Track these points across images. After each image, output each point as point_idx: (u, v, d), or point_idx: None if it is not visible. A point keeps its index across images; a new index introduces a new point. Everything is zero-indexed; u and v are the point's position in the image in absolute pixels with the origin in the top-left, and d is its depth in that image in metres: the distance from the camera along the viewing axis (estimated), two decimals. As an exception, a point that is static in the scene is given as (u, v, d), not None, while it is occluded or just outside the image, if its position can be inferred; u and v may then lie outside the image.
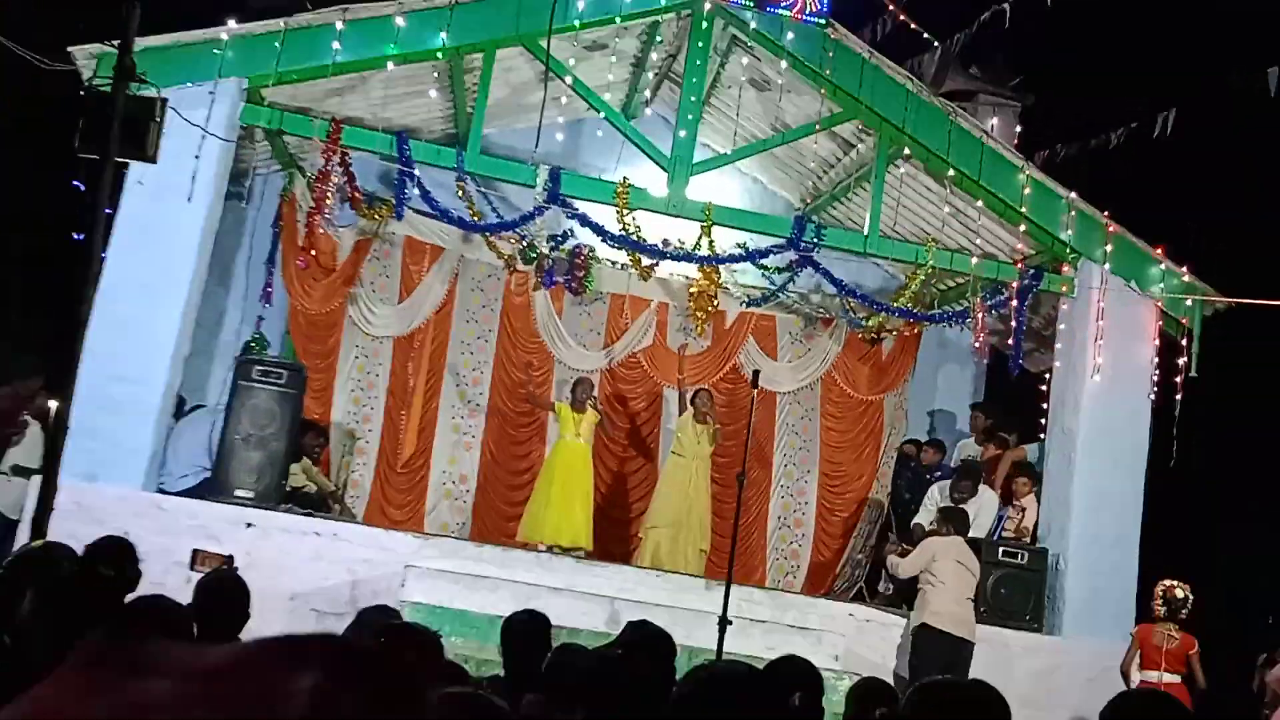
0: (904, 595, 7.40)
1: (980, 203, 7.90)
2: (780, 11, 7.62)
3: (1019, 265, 8.01)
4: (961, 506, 7.30)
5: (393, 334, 8.96)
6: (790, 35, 7.59)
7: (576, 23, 7.36)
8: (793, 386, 9.49)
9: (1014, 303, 7.88)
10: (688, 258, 7.85)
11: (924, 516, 7.84)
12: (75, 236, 4.77)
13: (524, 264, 8.53)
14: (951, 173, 7.75)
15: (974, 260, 7.98)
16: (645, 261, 8.20)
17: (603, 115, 7.97)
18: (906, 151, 7.84)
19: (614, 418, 9.10)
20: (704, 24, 7.74)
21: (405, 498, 8.89)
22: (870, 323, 8.79)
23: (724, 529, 8.29)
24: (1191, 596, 6.45)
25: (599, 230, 7.68)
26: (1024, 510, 7.74)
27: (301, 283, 8.28)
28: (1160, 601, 6.49)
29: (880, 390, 9.47)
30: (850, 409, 9.51)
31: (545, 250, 8.31)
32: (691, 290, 8.70)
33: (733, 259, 7.98)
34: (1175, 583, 6.49)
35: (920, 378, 9.86)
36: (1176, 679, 6.25)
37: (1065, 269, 7.93)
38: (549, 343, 9.25)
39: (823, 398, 9.58)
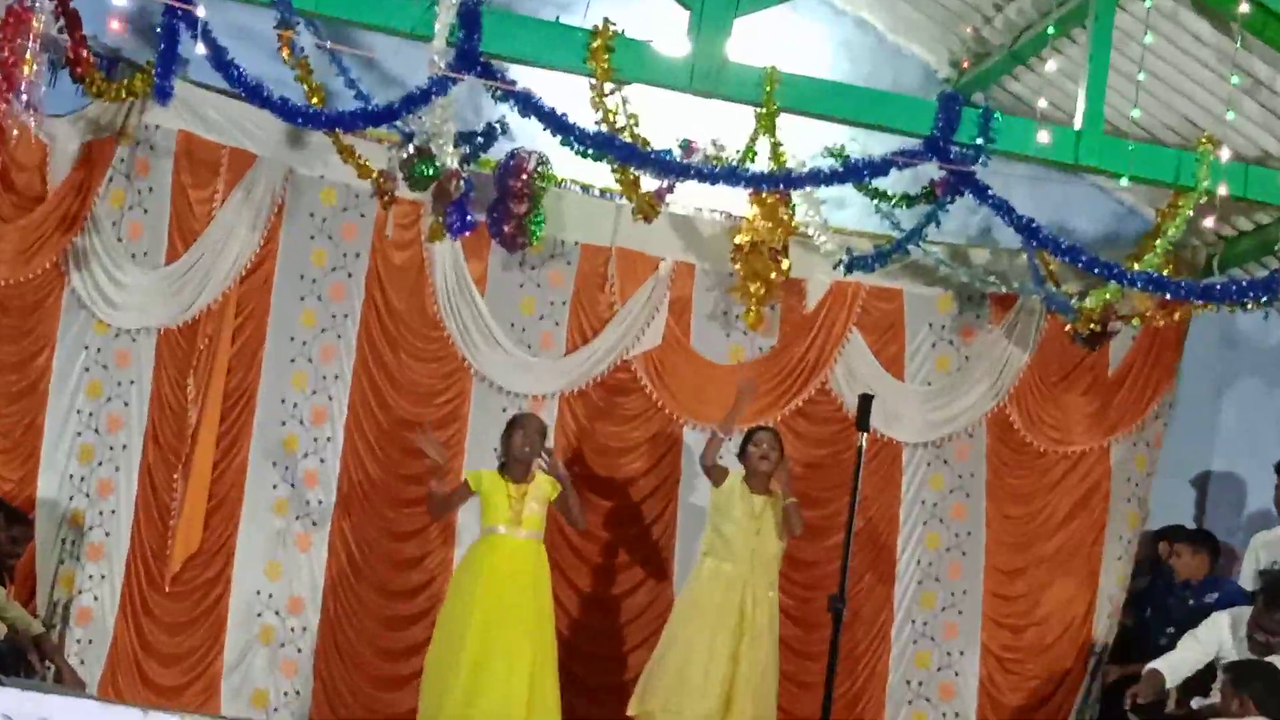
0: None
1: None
2: None
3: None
4: (1272, 660, 7.43)
5: (157, 324, 9.05)
6: None
7: None
8: (936, 433, 9.66)
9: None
10: (730, 177, 7.87)
11: (1184, 649, 8.13)
12: None
13: (411, 188, 8.41)
14: (1246, 7, 7.70)
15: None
16: (647, 184, 8.20)
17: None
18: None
19: (588, 490, 9.14)
20: None
21: (181, 642, 9.00)
22: (1089, 303, 8.84)
23: (801, 702, 8.83)
24: None
25: (557, 123, 7.66)
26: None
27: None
28: None
29: (1106, 432, 9.64)
30: (1047, 469, 9.69)
31: (452, 162, 8.06)
32: (739, 240, 8.96)
33: (817, 179, 8.03)
34: None
35: (1186, 407, 9.96)
36: None
37: None
38: (460, 340, 9.29)
39: (993, 449, 9.71)
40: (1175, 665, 8.03)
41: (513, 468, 8.25)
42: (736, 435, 8.67)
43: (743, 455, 8.50)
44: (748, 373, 9.27)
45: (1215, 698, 7.60)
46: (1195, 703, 8.09)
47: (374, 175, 8.67)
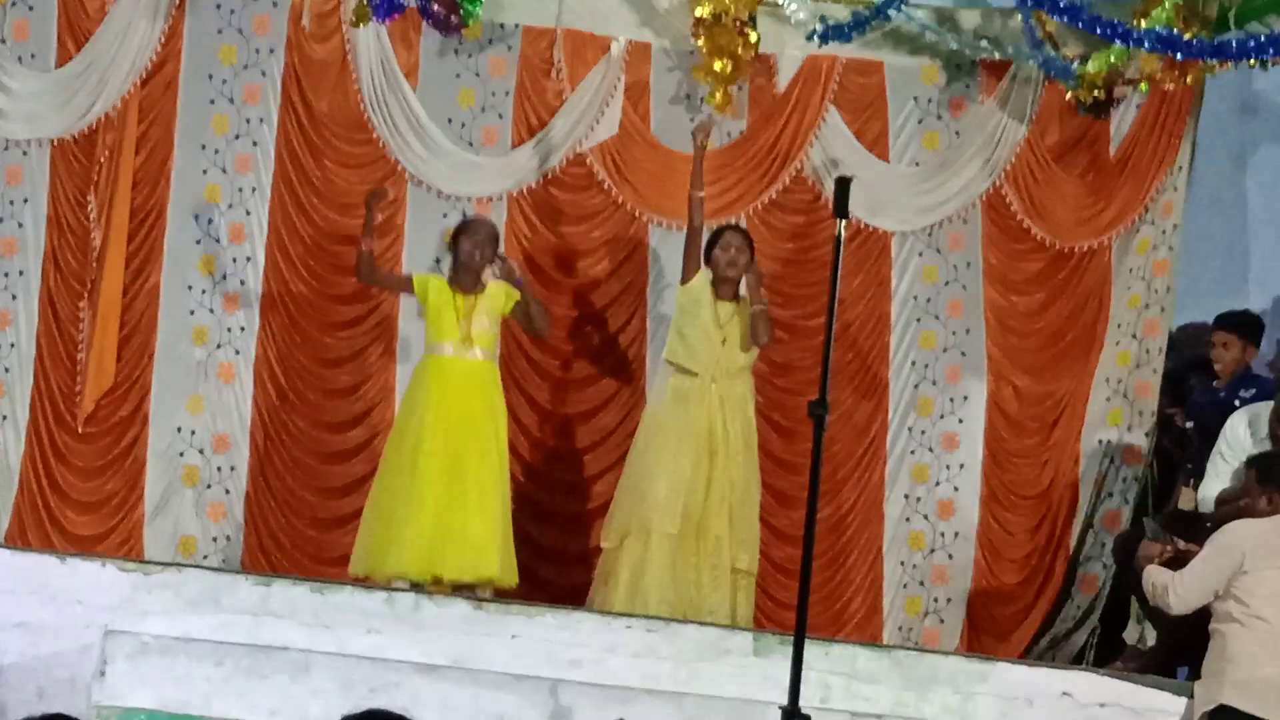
0: (1180, 647, 7.72)
1: None
2: None
3: None
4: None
5: (49, 135, 8.95)
6: None
7: None
8: (926, 219, 9.47)
9: None
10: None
11: (1217, 479, 8.07)
12: None
13: None
14: None
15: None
16: None
17: None
18: None
19: (546, 295, 8.98)
20: None
21: (98, 487, 9.00)
22: (1091, 67, 8.65)
23: (787, 525, 8.73)
24: None
25: None
26: None
27: None
28: None
29: (1105, 226, 9.44)
30: (1048, 261, 9.52)
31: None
32: (700, 13, 8.75)
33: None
34: None
35: (1203, 184, 9.73)
36: None
37: None
38: (391, 141, 9.08)
39: (989, 236, 9.53)
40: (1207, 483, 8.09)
41: (461, 278, 8.17)
42: (702, 233, 8.54)
43: (708, 259, 8.42)
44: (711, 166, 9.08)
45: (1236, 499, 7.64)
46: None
47: None
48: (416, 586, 7.84)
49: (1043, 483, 9.51)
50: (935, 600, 9.51)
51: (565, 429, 9.30)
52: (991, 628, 9.37)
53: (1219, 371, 8.96)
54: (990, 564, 9.49)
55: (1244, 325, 9.05)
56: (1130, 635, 8.69)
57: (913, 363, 9.52)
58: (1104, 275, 9.53)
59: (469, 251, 8.13)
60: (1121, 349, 9.52)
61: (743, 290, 8.37)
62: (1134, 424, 9.47)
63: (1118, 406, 9.50)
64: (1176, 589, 7.05)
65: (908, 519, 9.51)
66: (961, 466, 9.56)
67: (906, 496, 9.53)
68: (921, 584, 9.50)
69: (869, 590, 9.44)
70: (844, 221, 7.27)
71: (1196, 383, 9.24)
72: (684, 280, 8.40)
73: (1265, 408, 7.96)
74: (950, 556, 9.52)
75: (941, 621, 9.46)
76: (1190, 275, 9.84)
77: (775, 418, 8.99)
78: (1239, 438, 7.99)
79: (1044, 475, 9.52)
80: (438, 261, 8.66)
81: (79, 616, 6.89)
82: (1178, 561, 7.27)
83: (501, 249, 8.45)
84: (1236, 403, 8.56)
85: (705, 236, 8.44)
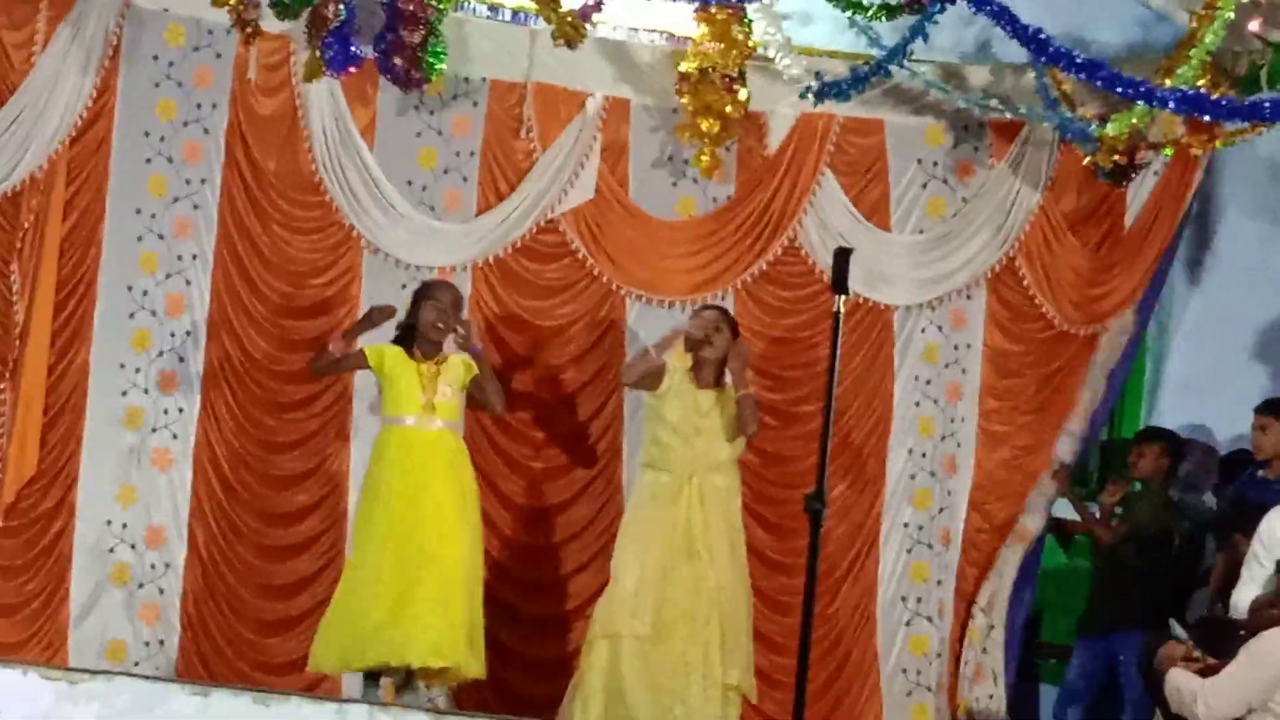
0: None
1: None
2: None
3: None
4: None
5: None
6: None
7: None
8: (930, 292, 9.53)
9: None
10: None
11: (1252, 583, 7.91)
12: None
13: (279, 17, 8.19)
14: None
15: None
16: (569, 0, 8.11)
17: None
18: None
19: (512, 379, 9.08)
20: None
21: (19, 587, 8.84)
22: (1111, 129, 8.62)
23: (775, 632, 8.82)
24: None
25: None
26: None
27: None
28: None
29: (1117, 307, 9.49)
30: (1054, 342, 9.59)
31: (329, -19, 8.49)
32: (685, 68, 8.81)
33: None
34: None
35: (1231, 253, 9.94)
36: None
37: None
38: (345, 205, 9.08)
39: (994, 313, 9.59)
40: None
41: (421, 345, 8.23)
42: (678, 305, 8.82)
43: (691, 334, 8.41)
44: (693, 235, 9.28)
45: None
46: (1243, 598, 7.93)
47: (232, 1, 8.22)
48: (371, 678, 7.94)
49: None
50: (940, 711, 9.56)
51: (535, 523, 9.30)
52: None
53: (1261, 458, 8.95)
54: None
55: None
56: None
57: (909, 450, 9.59)
58: (1085, 366, 9.59)
59: (431, 321, 8.17)
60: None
61: (727, 376, 8.39)
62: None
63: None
64: (1206, 698, 6.90)
65: (907, 622, 9.51)
66: (948, 568, 9.64)
67: (904, 599, 9.54)
68: (930, 690, 9.51)
69: (867, 699, 9.41)
70: (843, 297, 7.40)
71: (1243, 474, 9.20)
72: (652, 388, 8.36)
73: None
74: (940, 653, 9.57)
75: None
76: (1214, 357, 9.92)
77: (764, 513, 9.00)
78: (1276, 538, 7.90)
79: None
80: (396, 338, 8.59)
81: (-6, 728, 6.69)
82: (1206, 673, 7.11)
83: (465, 315, 8.50)
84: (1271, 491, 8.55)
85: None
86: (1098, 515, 9.18)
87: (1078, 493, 9.47)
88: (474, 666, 8.02)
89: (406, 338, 8.26)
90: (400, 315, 8.45)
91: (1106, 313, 9.50)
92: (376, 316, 8.35)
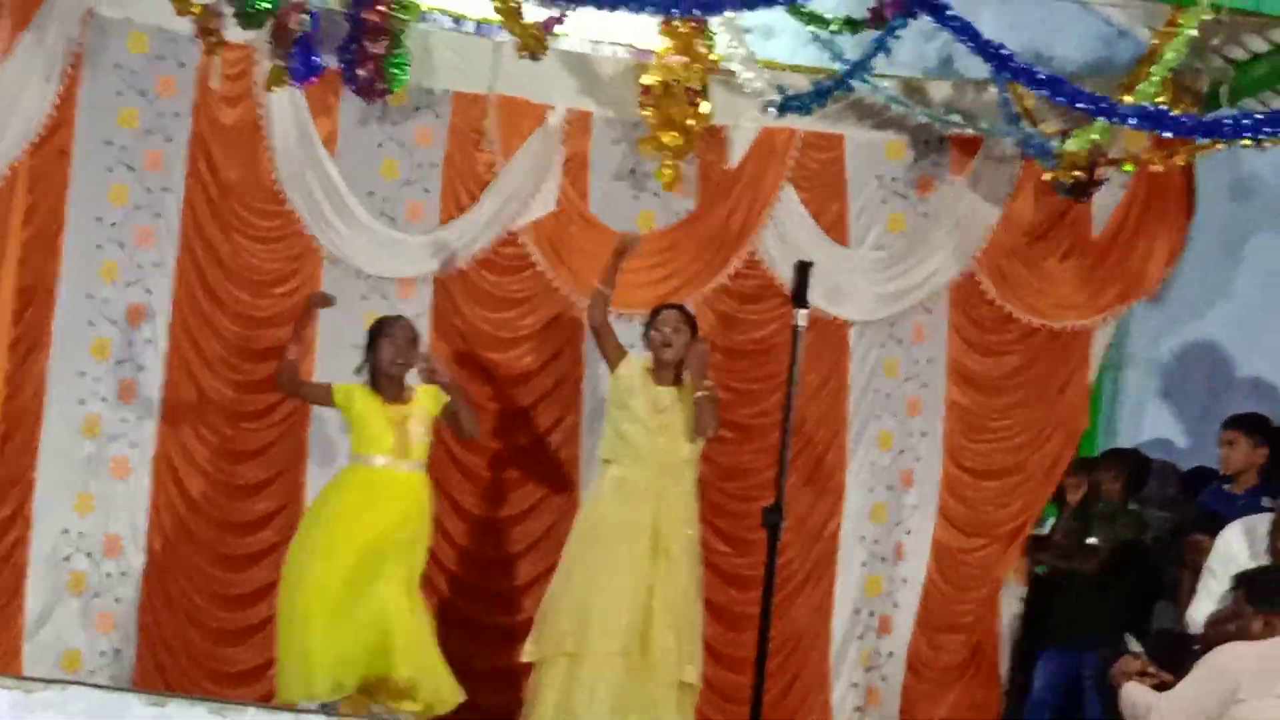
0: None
1: None
2: None
3: None
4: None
5: None
6: None
7: None
8: (889, 308, 9.60)
9: None
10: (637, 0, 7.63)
11: (1208, 598, 7.91)
12: None
13: (242, 26, 8.17)
14: None
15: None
16: (532, 13, 8.14)
17: None
18: None
19: (472, 387, 9.06)
20: None
21: None
22: (1071, 145, 8.67)
23: (728, 648, 8.89)
24: None
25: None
26: None
27: None
28: None
29: (1100, 307, 9.56)
30: (1022, 351, 9.66)
31: (292, -9, 8.36)
32: (647, 80, 8.85)
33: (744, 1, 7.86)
34: None
35: (1189, 270, 9.90)
36: None
37: None
38: (306, 215, 9.09)
39: (956, 326, 9.68)
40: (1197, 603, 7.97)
41: (384, 386, 8.21)
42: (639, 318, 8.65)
43: (649, 340, 8.45)
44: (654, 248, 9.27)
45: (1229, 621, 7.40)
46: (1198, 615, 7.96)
47: (195, 10, 8.23)
48: (326, 708, 7.84)
49: (981, 609, 9.62)
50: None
51: (493, 535, 9.30)
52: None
53: (1228, 472, 9.00)
54: (916, 693, 9.62)
55: (1250, 422, 9.11)
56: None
57: (871, 464, 9.63)
58: (1084, 364, 9.61)
59: (389, 360, 8.16)
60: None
61: (684, 374, 8.41)
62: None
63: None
64: (1162, 711, 6.88)
65: (860, 635, 9.58)
66: (904, 581, 9.69)
67: (857, 612, 9.59)
68: (858, 709, 9.60)
69: (818, 715, 9.48)
70: (804, 311, 7.40)
71: (1206, 488, 9.27)
72: (612, 368, 8.45)
73: (1264, 520, 7.85)
74: (883, 679, 9.65)
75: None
76: (1179, 372, 10.00)
77: (720, 525, 9.02)
78: (1232, 553, 7.88)
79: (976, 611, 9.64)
80: (356, 347, 8.57)
81: (-51, 738, 6.70)
82: (1161, 688, 7.09)
83: (424, 346, 8.53)
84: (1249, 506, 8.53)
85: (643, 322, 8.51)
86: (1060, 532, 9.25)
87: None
88: (440, 690, 8.04)
89: (372, 377, 8.26)
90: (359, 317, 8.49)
91: (1089, 312, 9.55)
92: (316, 302, 8.36)
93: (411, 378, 8.25)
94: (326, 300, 8.46)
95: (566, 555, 8.39)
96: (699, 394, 8.23)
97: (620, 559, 8.14)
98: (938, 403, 9.66)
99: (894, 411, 9.65)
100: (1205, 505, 9.06)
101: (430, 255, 9.19)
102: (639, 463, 8.26)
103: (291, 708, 7.62)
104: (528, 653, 8.29)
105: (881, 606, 9.63)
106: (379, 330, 8.28)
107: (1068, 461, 9.56)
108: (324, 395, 8.30)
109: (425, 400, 8.19)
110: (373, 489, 8.12)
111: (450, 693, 8.03)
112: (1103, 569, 9.10)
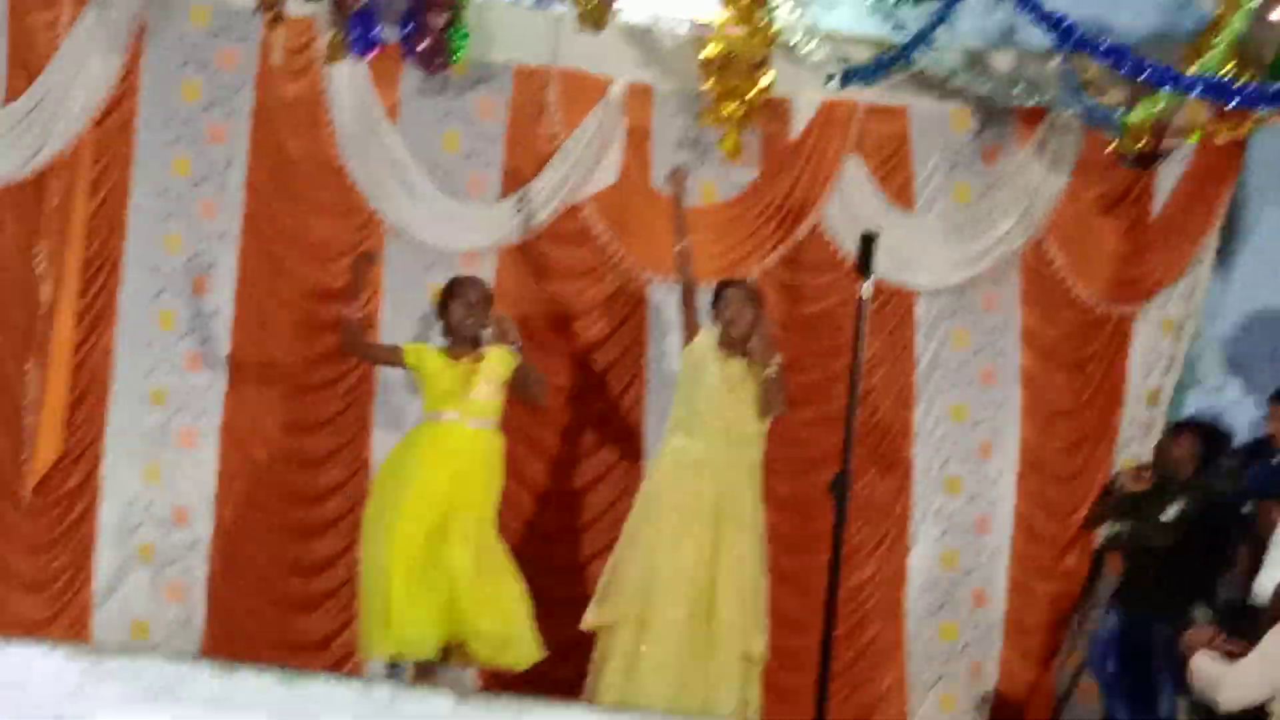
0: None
1: None
2: None
3: None
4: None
5: None
6: None
7: None
8: (955, 277, 9.55)
9: None
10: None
11: (1275, 568, 7.98)
12: None
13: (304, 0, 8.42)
14: None
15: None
16: None
17: None
18: None
19: (536, 359, 8.81)
20: None
21: (44, 565, 8.92)
22: (1135, 116, 8.59)
23: (792, 610, 8.71)
24: None
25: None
26: None
27: None
28: None
29: (1149, 290, 9.57)
30: (1086, 331, 9.65)
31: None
32: (709, 53, 8.78)
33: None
34: None
35: (1255, 243, 9.78)
36: None
37: None
38: (369, 188, 9.09)
39: (1026, 300, 9.64)
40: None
41: (456, 344, 8.19)
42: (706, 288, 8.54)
43: (716, 312, 8.43)
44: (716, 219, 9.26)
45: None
46: None
47: None
48: (395, 668, 7.94)
49: (1067, 572, 9.56)
50: (970, 698, 9.55)
51: (558, 507, 9.31)
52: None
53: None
54: (1017, 659, 9.53)
55: None
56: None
57: (942, 436, 9.58)
58: (1124, 350, 9.61)
59: (461, 317, 8.15)
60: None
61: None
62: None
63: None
64: (1229, 683, 6.97)
65: (941, 607, 9.53)
66: (993, 553, 9.60)
67: (936, 584, 9.56)
68: (957, 680, 9.54)
69: (892, 688, 9.46)
70: (869, 281, 7.41)
71: (1257, 461, 9.18)
72: (686, 341, 8.43)
73: None
74: (981, 652, 9.58)
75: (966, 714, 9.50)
76: (1242, 344, 9.86)
77: (783, 493, 8.97)
78: None
79: (1068, 562, 9.59)
80: (421, 319, 8.68)
81: (20, 708, 6.50)
82: (1231, 658, 7.18)
83: (494, 312, 8.49)
84: None
85: (705, 291, 8.48)
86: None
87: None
88: (523, 649, 8.07)
89: (445, 336, 8.25)
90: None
91: (1135, 297, 9.51)
92: (360, 266, 8.34)
93: (484, 340, 8.24)
94: (371, 260, 8.48)
95: (631, 523, 8.38)
96: (766, 374, 8.22)
97: (684, 529, 8.12)
98: (1013, 372, 9.62)
99: (969, 382, 9.62)
100: (1256, 479, 8.99)
101: (494, 227, 9.18)
102: (707, 435, 8.23)
103: (360, 677, 7.66)
104: (590, 617, 8.29)
105: (969, 580, 9.59)
106: (451, 290, 8.28)
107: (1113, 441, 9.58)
108: (394, 355, 8.30)
109: (496, 361, 8.16)
110: (443, 444, 8.11)
111: (529, 648, 8.05)
112: (1174, 541, 9.05)
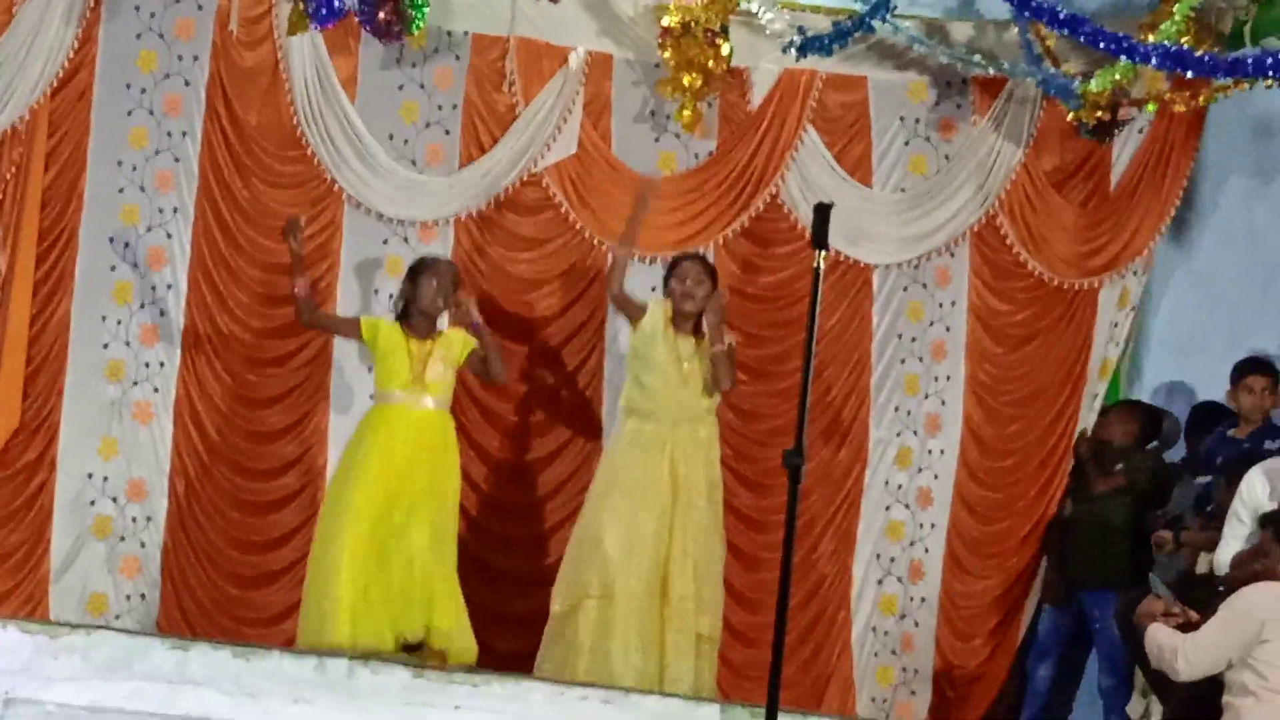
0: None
1: None
2: None
3: None
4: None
5: None
6: None
7: None
8: (912, 251, 9.55)
9: None
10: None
11: (1234, 540, 7.96)
12: None
13: None
14: None
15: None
16: None
17: None
18: None
19: (495, 330, 8.87)
20: None
21: (2, 537, 8.80)
22: (1094, 85, 8.67)
23: (747, 587, 8.85)
24: None
25: None
26: None
27: None
28: None
29: (1111, 262, 9.56)
30: (1039, 307, 9.66)
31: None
32: (668, 22, 8.80)
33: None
34: None
35: (1210, 213, 9.84)
36: None
37: None
38: (327, 158, 9.06)
39: (977, 270, 9.64)
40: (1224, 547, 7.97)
41: (415, 322, 8.21)
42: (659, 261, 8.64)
43: (665, 290, 8.41)
44: (675, 190, 9.24)
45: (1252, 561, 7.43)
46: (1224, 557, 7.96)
47: None
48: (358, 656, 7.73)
49: (1007, 551, 9.57)
50: (905, 671, 9.59)
51: (515, 480, 9.29)
52: (958, 705, 9.50)
53: (1244, 418, 8.93)
54: (951, 635, 9.56)
55: (1267, 366, 9.02)
56: (1134, 710, 8.69)
57: (895, 409, 9.59)
58: (1090, 322, 9.60)
59: (431, 296, 8.14)
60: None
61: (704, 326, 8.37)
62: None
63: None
64: (1186, 653, 6.94)
65: (879, 580, 9.54)
66: (932, 526, 9.62)
67: (878, 556, 9.55)
68: (894, 652, 9.56)
69: (838, 658, 9.45)
70: (823, 253, 7.39)
71: (1210, 435, 9.18)
72: (633, 325, 8.41)
73: None
74: (916, 624, 9.59)
75: (913, 694, 9.54)
76: (1198, 316, 9.89)
77: (741, 469, 9.02)
78: (1256, 495, 7.84)
79: (1010, 540, 9.60)
80: (376, 292, 8.68)
81: (-22, 676, 6.88)
82: (1187, 629, 7.16)
83: (456, 286, 8.46)
84: (1256, 449, 8.52)
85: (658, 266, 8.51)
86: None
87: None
88: (458, 639, 8.03)
89: (404, 313, 8.23)
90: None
91: (1095, 270, 9.50)
92: (289, 235, 8.29)
93: (443, 322, 8.27)
94: (298, 225, 8.38)
95: (588, 503, 8.38)
96: (715, 349, 8.21)
97: (640, 507, 8.13)
98: (959, 347, 9.62)
99: (920, 355, 9.61)
100: (1209, 450, 9.01)
101: (451, 198, 9.14)
102: (658, 412, 8.24)
103: (316, 651, 7.56)
104: (556, 602, 8.29)
105: (910, 552, 9.61)
106: (422, 268, 8.28)
107: (1074, 416, 9.58)
108: (350, 327, 8.32)
109: (452, 342, 8.19)
110: (392, 426, 8.11)
111: (469, 647, 8.04)
112: (1129, 513, 9.05)
